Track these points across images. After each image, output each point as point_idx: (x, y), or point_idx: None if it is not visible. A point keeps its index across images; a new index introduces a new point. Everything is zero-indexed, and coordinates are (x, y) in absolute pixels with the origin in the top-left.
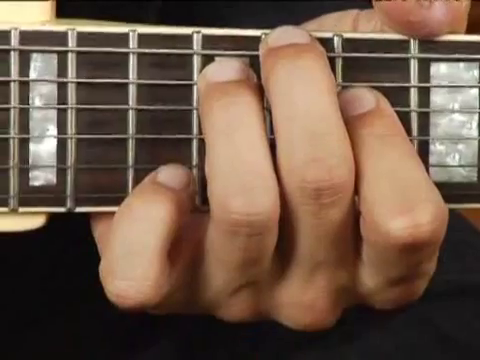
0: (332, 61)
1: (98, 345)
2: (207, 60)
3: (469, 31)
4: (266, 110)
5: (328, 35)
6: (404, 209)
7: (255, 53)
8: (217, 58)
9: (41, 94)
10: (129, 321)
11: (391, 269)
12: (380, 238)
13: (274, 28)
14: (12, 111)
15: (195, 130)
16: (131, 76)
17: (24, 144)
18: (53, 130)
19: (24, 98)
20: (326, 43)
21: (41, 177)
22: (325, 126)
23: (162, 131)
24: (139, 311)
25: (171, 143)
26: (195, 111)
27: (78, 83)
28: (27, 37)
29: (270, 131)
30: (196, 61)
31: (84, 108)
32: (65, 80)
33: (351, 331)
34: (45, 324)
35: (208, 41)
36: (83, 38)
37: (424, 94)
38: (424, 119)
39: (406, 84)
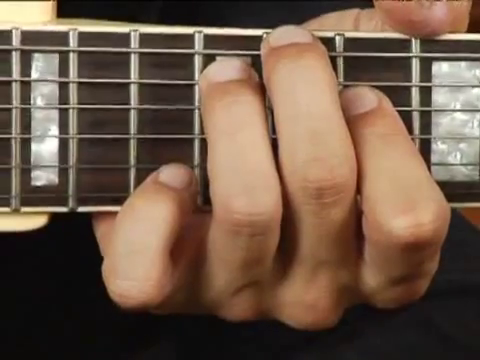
0: (334, 60)
1: (99, 345)
2: (208, 60)
3: (470, 30)
4: (268, 109)
5: (330, 34)
6: (406, 208)
7: (257, 53)
8: (218, 58)
9: (43, 94)
10: (130, 321)
11: (393, 268)
12: (382, 237)
13: (275, 27)
14: (14, 111)
15: (197, 130)
16: (132, 76)
17: (26, 144)
18: (55, 130)
19: (26, 98)
20: (328, 42)
21: (43, 177)
22: (327, 125)
23: (164, 131)
24: (141, 311)
25: (173, 143)
26: (197, 111)
27: (80, 83)
28: (28, 37)
29: (272, 131)
30: (197, 61)
31: (86, 108)
32: (67, 80)
33: (352, 331)
34: (46, 324)
35: (209, 41)
36: (84, 38)
37: (426, 93)
38: (426, 118)
39: (408, 83)
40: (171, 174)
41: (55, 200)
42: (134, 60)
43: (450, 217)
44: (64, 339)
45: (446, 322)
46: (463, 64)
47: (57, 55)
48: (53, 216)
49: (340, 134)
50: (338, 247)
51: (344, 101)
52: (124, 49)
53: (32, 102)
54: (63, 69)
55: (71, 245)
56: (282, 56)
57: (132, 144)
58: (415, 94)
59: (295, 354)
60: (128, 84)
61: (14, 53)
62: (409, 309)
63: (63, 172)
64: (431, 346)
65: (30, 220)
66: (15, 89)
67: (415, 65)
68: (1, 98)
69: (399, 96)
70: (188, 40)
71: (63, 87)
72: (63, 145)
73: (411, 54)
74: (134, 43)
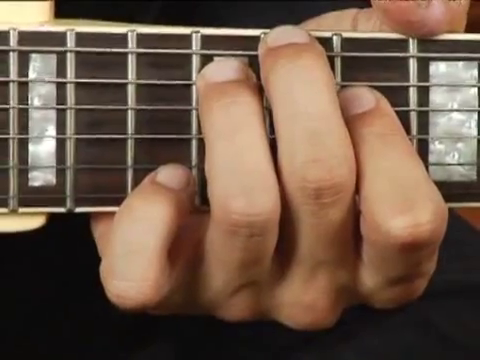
0: (331, 60)
1: (97, 345)
2: (206, 60)
3: (468, 30)
4: (266, 110)
5: (327, 34)
6: (404, 208)
7: (254, 53)
8: (216, 58)
9: (40, 94)
10: (128, 321)
11: (391, 268)
12: (380, 237)
13: (273, 28)
14: (11, 111)
15: (194, 130)
16: (130, 76)
17: (23, 144)
18: (52, 130)
19: (23, 98)
20: (325, 42)
21: (40, 177)
22: (325, 126)
23: (161, 131)
24: (139, 311)
25: (170, 143)
26: (194, 111)
27: (77, 83)
28: (26, 37)
29: (270, 131)
30: (195, 61)
31: (83, 108)
32: (64, 80)
33: (350, 331)
34: (45, 324)
35: (207, 41)
36: (82, 38)
37: (423, 93)
38: (423, 118)
39: (405, 83)
40: (169, 174)
41: (53, 201)
42: (131, 60)
43: (448, 217)
44: (63, 339)
45: (444, 322)
46: (460, 64)
47: (55, 55)
48: (51, 216)
49: (339, 134)
50: (336, 247)
51: (342, 101)
52: (122, 49)
53: (29, 102)
54: (60, 69)
55: (70, 245)
56: (280, 56)
57: (130, 144)
58: (413, 94)
59: (293, 354)
60: (125, 84)
61: (12, 53)
62: (407, 309)
63: (61, 172)
64: (429, 346)
65: (28, 221)
66: (13, 89)
67: (412, 65)
68: None
69: (397, 96)
70: (185, 40)
71: (60, 87)
72: (60, 145)
73: (409, 54)
74: (131, 43)
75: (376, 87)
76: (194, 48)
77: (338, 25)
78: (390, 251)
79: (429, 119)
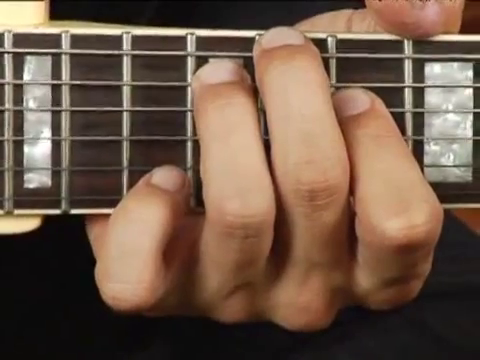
0: (326, 62)
1: (95, 346)
2: (201, 61)
3: (468, 31)
4: (260, 111)
5: (322, 36)
6: (399, 210)
7: (249, 54)
8: (211, 59)
9: (35, 96)
10: (125, 322)
11: (386, 270)
12: (375, 239)
13: (269, 28)
14: (6, 113)
15: (189, 132)
16: (125, 78)
17: (18, 146)
18: (47, 132)
19: (18, 100)
20: (320, 43)
21: (36, 179)
22: (319, 127)
23: (156, 133)
24: (134, 313)
25: (165, 145)
26: (189, 113)
27: (72, 85)
28: (21, 40)
29: (265, 132)
30: (190, 63)
31: (78, 110)
32: (59, 82)
33: (345, 332)
34: (42, 325)
35: (202, 42)
36: (77, 40)
37: (418, 94)
38: (419, 119)
39: (400, 84)
40: (164, 176)
41: (48, 202)
42: (126, 62)
43: (443, 218)
44: (61, 340)
45: (440, 323)
46: (455, 65)
47: (49, 57)
48: (46, 218)
49: (333, 136)
50: (331, 249)
51: (337, 102)
52: (116, 51)
53: (24, 104)
54: (55, 71)
55: (68, 246)
56: (274, 58)
57: (125, 146)
58: (408, 95)
59: (289, 355)
60: (120, 86)
61: (6, 56)
62: (402, 311)
63: (56, 174)
64: (424, 347)
65: (23, 223)
66: (8, 92)
67: (407, 66)
68: None
69: (392, 97)
70: (180, 42)
71: (55, 89)
72: (56, 147)
73: (403, 55)
74: (126, 45)
75: (371, 88)
76: (189, 50)
77: (333, 26)
78: (385, 252)
79: (424, 120)
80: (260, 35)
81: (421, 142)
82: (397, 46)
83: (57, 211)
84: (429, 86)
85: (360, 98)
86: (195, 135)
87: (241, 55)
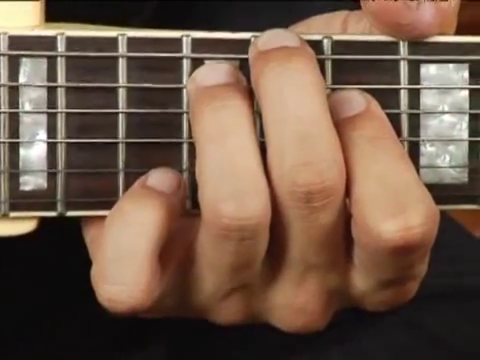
0: (322, 63)
1: (91, 347)
2: (197, 63)
3: (466, 33)
4: (256, 113)
5: (317, 37)
6: (395, 211)
7: (245, 56)
8: (207, 61)
9: (31, 99)
10: (121, 324)
11: (382, 271)
12: (371, 241)
13: (266, 30)
14: (2, 116)
15: (185, 133)
16: (120, 80)
17: (14, 149)
18: (43, 135)
19: (14, 103)
20: (315, 45)
21: (31, 182)
22: (315, 129)
23: (152, 135)
24: (130, 315)
25: (161, 147)
26: (185, 115)
27: (68, 87)
28: (16, 42)
29: (261, 134)
30: (186, 64)
31: (74, 112)
32: (55, 85)
33: (341, 333)
34: (39, 325)
35: (197, 44)
36: (72, 42)
37: (414, 96)
38: (414, 120)
39: (396, 86)
40: (159, 178)
41: (44, 205)
42: (122, 64)
43: (439, 220)
44: (57, 341)
45: (437, 325)
46: (451, 66)
47: (45, 60)
48: (43, 221)
49: (328, 138)
50: (327, 251)
51: (332, 104)
52: (112, 53)
53: (20, 107)
54: (51, 74)
55: (64, 249)
56: (270, 60)
57: (120, 148)
58: (403, 96)
59: (286, 357)
60: (116, 88)
61: (2, 58)
62: (399, 312)
63: (51, 177)
64: (421, 348)
65: (19, 225)
66: (3, 94)
67: (403, 67)
68: None
69: (387, 99)
70: (176, 44)
71: (51, 92)
72: (51, 150)
73: (399, 56)
74: (122, 47)
75: (367, 90)
76: (185, 52)
77: (328, 27)
78: (381, 254)
79: (420, 121)
80: (256, 37)
81: (417, 143)
82: (392, 47)
83: (53, 213)
84: (425, 87)
85: (356, 99)
86: (191, 137)
87: (237, 57)
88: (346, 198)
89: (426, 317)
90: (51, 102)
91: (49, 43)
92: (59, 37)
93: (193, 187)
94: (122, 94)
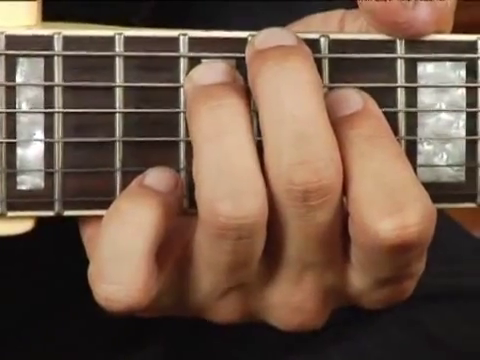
0: (319, 62)
1: (89, 347)
2: (194, 62)
3: (468, 32)
4: (253, 112)
5: (314, 36)
6: (392, 210)
7: (242, 55)
8: (204, 60)
9: (28, 98)
10: (119, 323)
11: (379, 270)
12: (368, 239)
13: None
14: None
15: (182, 132)
16: (117, 79)
17: (11, 149)
18: (40, 134)
19: (11, 103)
20: (312, 44)
21: (29, 181)
22: (312, 128)
23: (149, 134)
24: (128, 314)
25: (158, 146)
26: (182, 114)
27: (65, 87)
28: (13, 41)
29: (257, 133)
30: (183, 63)
31: (71, 112)
32: (52, 84)
33: (340, 332)
34: (37, 325)
35: (194, 43)
36: (69, 42)
37: (411, 94)
38: (411, 119)
39: (393, 84)
40: (156, 177)
41: (41, 204)
42: (119, 63)
43: (436, 218)
44: (55, 341)
45: (435, 325)
46: (448, 64)
47: (42, 59)
48: (40, 220)
49: (325, 137)
50: (324, 249)
51: (329, 103)
52: (109, 53)
53: (17, 106)
54: (48, 73)
55: (63, 247)
56: (267, 59)
57: (117, 147)
58: (400, 95)
59: (284, 356)
60: (113, 87)
61: None
62: (397, 311)
63: (49, 176)
64: (418, 348)
65: (16, 224)
66: (0, 94)
67: (400, 66)
68: None
69: (384, 97)
70: (173, 43)
71: (48, 91)
72: (48, 149)
73: (396, 55)
74: (119, 46)
75: (364, 88)
76: (182, 51)
77: (325, 26)
78: (378, 253)
79: (417, 120)
80: (253, 36)
81: (414, 142)
82: (389, 46)
83: (50, 213)
84: (422, 86)
85: (353, 98)
86: (188, 136)
87: (234, 56)
88: (343, 197)
89: (424, 317)
90: (48, 102)
91: (46, 42)
92: (56, 36)
93: (190, 186)
94: (119, 93)
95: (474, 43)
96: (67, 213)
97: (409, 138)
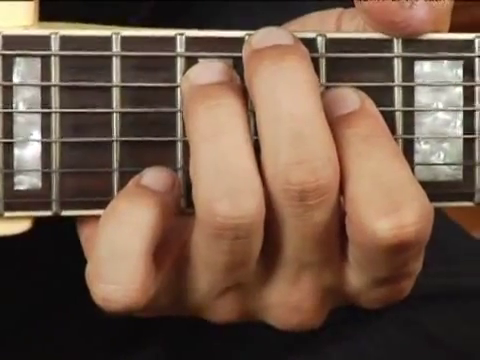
0: (316, 61)
1: (88, 347)
2: (191, 62)
3: (470, 31)
4: (250, 112)
5: (311, 35)
6: (389, 210)
7: (239, 54)
8: (201, 60)
9: (25, 98)
10: (117, 325)
11: (377, 269)
12: (366, 239)
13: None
14: None
15: (179, 132)
16: (115, 79)
17: (8, 149)
18: (37, 134)
19: (8, 103)
20: (309, 43)
21: (26, 181)
22: (309, 128)
23: (146, 133)
24: (125, 314)
25: (156, 145)
26: (179, 113)
27: (62, 87)
28: (10, 41)
29: (254, 132)
30: (180, 63)
31: (68, 112)
32: (49, 84)
33: (338, 332)
34: (36, 325)
35: (191, 43)
36: (66, 42)
37: (408, 93)
38: (409, 118)
39: (390, 83)
40: (154, 177)
41: (38, 204)
42: (116, 63)
43: (434, 217)
44: (54, 341)
45: (434, 326)
46: (445, 63)
47: (39, 59)
48: (38, 220)
49: (323, 136)
50: (321, 249)
51: (326, 102)
52: (106, 52)
53: (14, 106)
54: (45, 73)
55: (61, 247)
56: (264, 58)
57: (115, 147)
58: (398, 94)
59: (283, 356)
60: (110, 87)
61: None
62: (396, 311)
63: (46, 176)
64: (417, 348)
65: (14, 225)
66: None
67: (397, 65)
68: None
69: (382, 96)
70: (170, 43)
71: (45, 91)
72: (46, 149)
73: (393, 54)
74: (116, 46)
75: (361, 87)
76: (178, 50)
77: (322, 25)
78: (376, 252)
79: (414, 119)
80: (250, 35)
81: (411, 141)
82: (386, 45)
83: (48, 213)
84: (419, 85)
85: (350, 97)
86: (185, 136)
87: (230, 55)
88: (340, 196)
89: (423, 317)
90: (45, 102)
91: (43, 42)
92: (53, 36)
93: (187, 186)
94: (116, 93)
95: (471, 42)
96: (65, 213)
97: (406, 137)
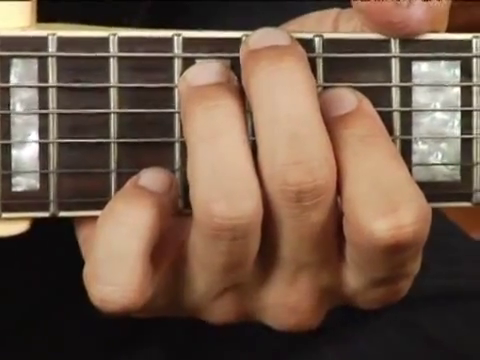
0: (313, 62)
1: (86, 348)
2: (188, 63)
3: (470, 31)
4: (247, 112)
5: (308, 36)
6: (387, 210)
7: (236, 55)
8: (198, 61)
9: (22, 99)
10: (116, 325)
11: (374, 270)
12: (363, 239)
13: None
14: None
15: (177, 133)
16: (112, 80)
17: (6, 150)
18: (35, 135)
19: (5, 104)
20: (306, 44)
21: (24, 182)
22: (306, 128)
23: (144, 134)
24: (123, 315)
25: (153, 146)
26: (177, 114)
27: (59, 88)
28: (7, 42)
29: (252, 133)
30: (177, 64)
31: (65, 113)
32: (46, 85)
33: (336, 333)
34: (35, 325)
35: (189, 44)
36: (63, 43)
37: (406, 93)
38: (406, 118)
39: (388, 84)
40: (151, 178)
41: (36, 205)
42: (113, 64)
43: (432, 218)
44: (52, 342)
45: (433, 327)
46: (443, 63)
47: (36, 60)
48: (35, 221)
49: (319, 137)
50: (319, 249)
51: (323, 103)
52: (103, 53)
53: (12, 108)
54: (42, 74)
55: (60, 248)
56: (261, 59)
57: (112, 148)
58: (395, 94)
59: (280, 357)
60: (107, 88)
61: None
62: (394, 312)
63: (44, 177)
64: (415, 349)
65: (12, 226)
66: None
67: (395, 65)
68: None
69: (379, 97)
70: (167, 43)
71: (42, 92)
72: (43, 150)
73: (390, 54)
74: (113, 47)
75: (358, 88)
76: (176, 51)
77: (319, 26)
78: (373, 253)
79: (412, 119)
80: (247, 36)
81: (409, 141)
82: (384, 45)
83: (45, 214)
84: (416, 85)
85: (347, 98)
86: (183, 137)
87: (228, 56)
88: (337, 197)
89: (422, 318)
90: (42, 103)
91: (40, 43)
92: (50, 37)
93: (185, 187)
94: (113, 94)
95: (469, 42)
96: (62, 214)
97: (404, 137)
